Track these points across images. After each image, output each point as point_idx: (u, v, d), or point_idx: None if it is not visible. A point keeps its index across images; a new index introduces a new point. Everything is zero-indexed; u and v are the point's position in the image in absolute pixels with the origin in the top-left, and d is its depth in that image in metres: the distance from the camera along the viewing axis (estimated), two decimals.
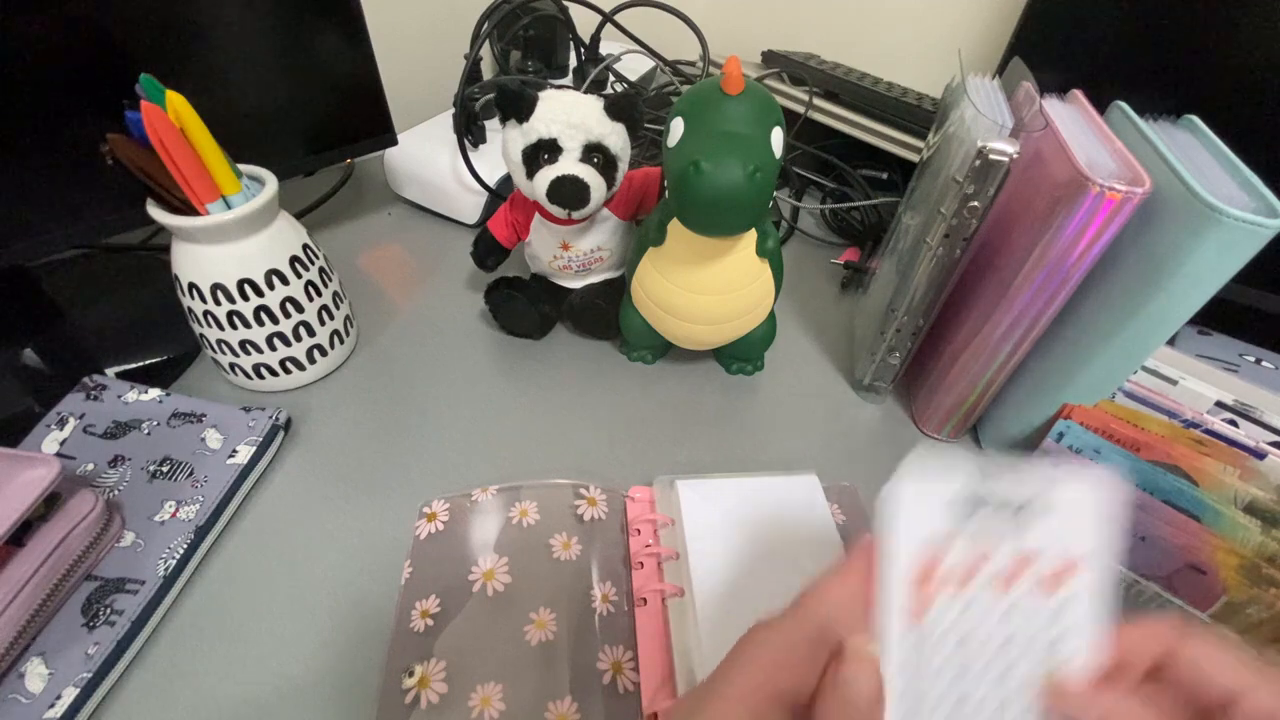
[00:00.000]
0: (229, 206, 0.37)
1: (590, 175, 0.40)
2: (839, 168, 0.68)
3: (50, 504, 0.32)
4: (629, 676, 0.30)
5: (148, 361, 0.46)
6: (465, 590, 0.33)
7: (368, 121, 0.57)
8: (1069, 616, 0.20)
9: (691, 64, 0.72)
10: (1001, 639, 0.21)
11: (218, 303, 0.39)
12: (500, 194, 0.58)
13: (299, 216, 0.48)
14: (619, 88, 0.70)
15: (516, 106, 0.40)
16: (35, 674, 0.29)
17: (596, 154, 0.40)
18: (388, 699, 0.29)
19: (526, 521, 0.36)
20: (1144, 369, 0.40)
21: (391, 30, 0.60)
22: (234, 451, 0.38)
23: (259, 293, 0.40)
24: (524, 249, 0.49)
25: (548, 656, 0.31)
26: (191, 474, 0.37)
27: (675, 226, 0.38)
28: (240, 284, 0.39)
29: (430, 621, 0.32)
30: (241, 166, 0.39)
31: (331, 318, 0.45)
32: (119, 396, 0.40)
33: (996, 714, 0.20)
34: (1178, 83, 0.51)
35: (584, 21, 0.63)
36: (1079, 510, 0.21)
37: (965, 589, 0.21)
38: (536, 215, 0.46)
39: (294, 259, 0.41)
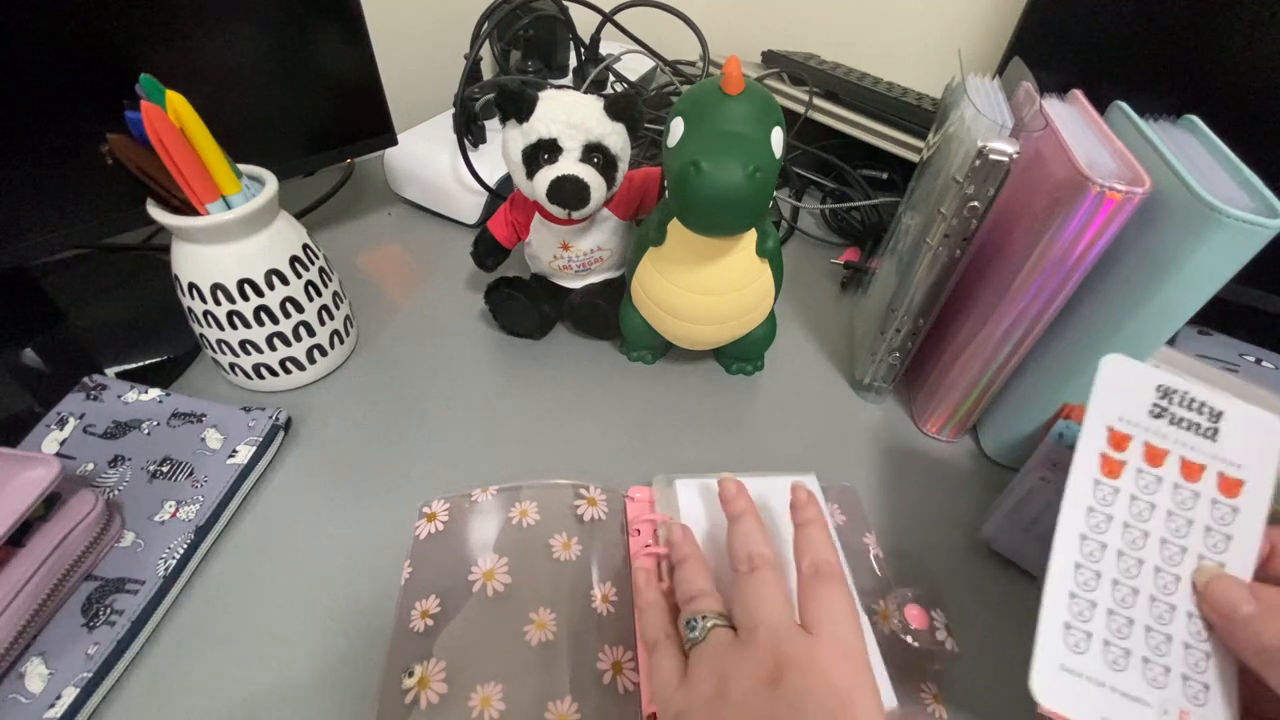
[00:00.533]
0: (229, 206, 0.37)
1: (590, 175, 0.40)
2: (839, 168, 0.68)
3: (50, 504, 0.32)
4: (629, 676, 0.30)
5: (148, 361, 0.46)
6: (465, 590, 0.33)
7: (368, 121, 0.57)
8: (1236, 523, 0.24)
9: (691, 64, 0.72)
10: (1180, 520, 0.24)
11: (218, 303, 0.39)
12: (500, 194, 0.58)
13: (299, 216, 0.48)
14: (619, 88, 0.70)
15: (516, 106, 0.40)
16: (35, 674, 0.29)
17: (596, 154, 0.40)
18: (387, 699, 0.29)
19: (526, 522, 0.36)
20: None
21: (391, 30, 0.60)
22: (234, 451, 0.38)
23: (259, 293, 0.40)
24: (524, 249, 0.49)
25: (548, 657, 0.31)
26: (191, 474, 0.37)
27: (675, 226, 0.38)
28: (240, 284, 0.39)
29: (430, 622, 0.32)
30: (241, 166, 0.39)
31: (331, 318, 0.45)
32: (119, 396, 0.40)
33: (1158, 581, 0.24)
34: (1178, 83, 0.51)
35: (584, 21, 0.63)
36: (1259, 440, 0.25)
37: (1157, 467, 0.25)
38: (536, 215, 0.46)
39: (294, 259, 0.41)
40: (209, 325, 0.40)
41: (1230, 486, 0.25)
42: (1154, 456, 0.26)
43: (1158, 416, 0.26)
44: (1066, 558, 0.24)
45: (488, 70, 0.65)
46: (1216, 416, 0.26)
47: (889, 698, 0.29)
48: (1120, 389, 0.26)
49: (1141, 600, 0.24)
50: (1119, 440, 0.25)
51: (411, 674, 0.30)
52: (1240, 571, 0.23)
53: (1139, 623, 0.23)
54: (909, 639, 0.31)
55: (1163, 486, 0.25)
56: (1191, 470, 0.25)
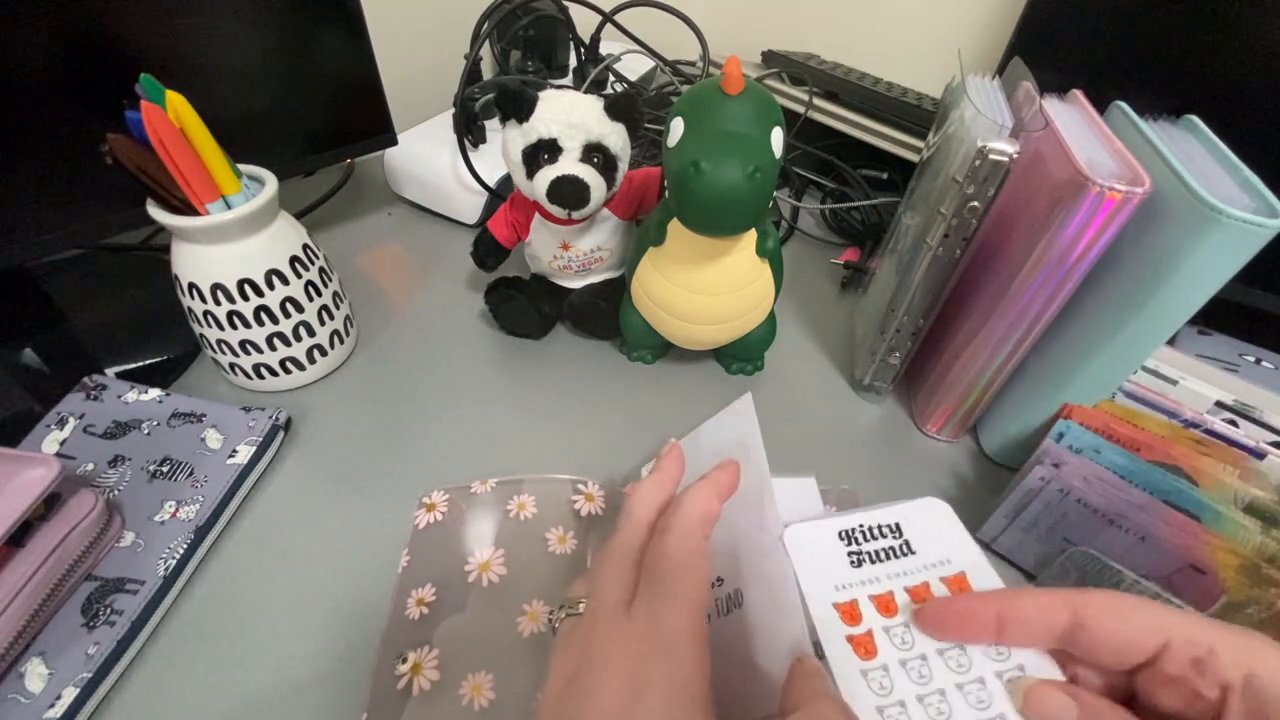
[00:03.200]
0: (229, 206, 0.37)
1: (590, 175, 0.40)
2: (839, 168, 0.68)
3: (50, 504, 0.32)
4: None
5: (148, 361, 0.46)
6: (461, 580, 0.33)
7: (368, 121, 0.57)
8: None
9: (691, 64, 0.72)
10: (953, 653, 0.21)
11: (218, 303, 0.39)
12: (500, 194, 0.58)
13: (299, 216, 0.48)
14: (619, 88, 0.70)
15: (516, 106, 0.40)
16: (35, 674, 0.29)
17: (596, 154, 0.40)
18: (380, 685, 0.29)
19: (524, 515, 0.36)
20: (1144, 369, 0.40)
21: (391, 30, 0.60)
22: (234, 451, 0.38)
23: (259, 293, 0.40)
24: (524, 249, 0.49)
25: (539, 648, 0.31)
26: (191, 474, 0.37)
27: (675, 226, 0.38)
28: (240, 284, 0.39)
29: (426, 610, 0.32)
30: (241, 166, 0.39)
31: (331, 318, 0.45)
32: (119, 396, 0.40)
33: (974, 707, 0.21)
34: (1178, 83, 0.51)
35: (584, 21, 0.63)
36: (937, 527, 0.24)
37: (894, 616, 0.23)
38: (536, 215, 0.46)
39: (294, 259, 0.41)
40: (209, 325, 0.40)
41: (958, 584, 0.23)
42: (885, 606, 0.23)
43: (858, 565, 0.24)
44: None
45: (488, 70, 0.65)
46: (898, 530, 0.25)
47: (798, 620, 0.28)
48: (814, 557, 0.24)
49: None
50: (849, 612, 0.23)
51: (405, 661, 0.30)
52: (1041, 663, 0.21)
53: None
54: None
55: (912, 630, 0.22)
56: (919, 594, 0.23)
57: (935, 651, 0.21)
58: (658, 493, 0.26)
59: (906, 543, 0.24)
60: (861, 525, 0.25)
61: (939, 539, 0.24)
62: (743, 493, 0.26)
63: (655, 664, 0.19)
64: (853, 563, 0.24)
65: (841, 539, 0.25)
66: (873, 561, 0.24)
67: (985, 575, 0.23)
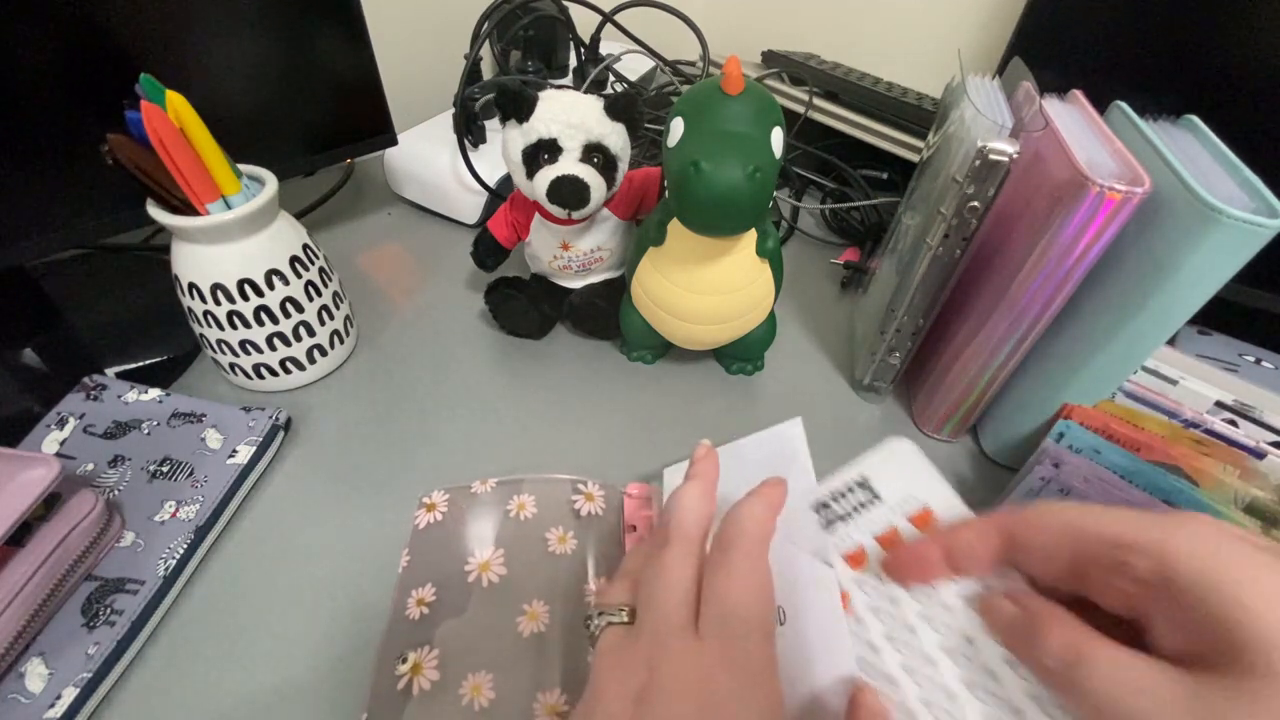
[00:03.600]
0: (229, 206, 0.37)
1: (590, 175, 0.40)
2: (839, 168, 0.68)
3: (50, 504, 0.32)
4: None
5: (148, 361, 0.46)
6: (461, 580, 0.33)
7: (368, 121, 0.57)
8: None
9: (691, 64, 0.72)
10: (923, 592, 0.23)
11: (218, 303, 0.39)
12: (500, 194, 0.58)
13: (299, 216, 0.48)
14: (619, 88, 0.70)
15: (516, 106, 0.40)
16: (35, 674, 0.29)
17: (596, 154, 0.40)
18: (380, 685, 0.29)
19: (524, 515, 0.36)
20: (1144, 369, 0.40)
21: (391, 30, 0.60)
22: (234, 451, 0.38)
23: (259, 293, 0.40)
24: (524, 249, 0.49)
25: (539, 648, 0.31)
26: (191, 474, 0.37)
27: (675, 226, 0.38)
28: (240, 284, 0.39)
29: (426, 610, 0.32)
30: (241, 166, 0.39)
31: (331, 318, 0.45)
32: (119, 396, 0.40)
33: (955, 657, 0.21)
34: (1178, 83, 0.51)
35: (584, 21, 0.63)
36: (901, 466, 0.25)
37: (862, 566, 0.24)
38: (536, 215, 0.46)
39: (294, 259, 0.41)
40: (209, 325, 0.40)
41: (923, 520, 0.24)
42: (855, 561, 0.24)
43: (830, 528, 0.25)
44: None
45: (488, 70, 0.65)
46: (865, 483, 0.26)
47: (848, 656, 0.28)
48: (790, 536, 0.25)
49: (955, 685, 0.21)
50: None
51: (405, 660, 0.30)
52: (997, 582, 0.22)
53: (964, 698, 0.21)
54: None
55: (881, 576, 0.23)
56: (887, 540, 0.24)
57: (903, 591, 0.23)
58: (705, 503, 0.25)
59: (874, 493, 0.25)
60: (832, 492, 0.26)
61: (904, 480, 0.25)
62: (787, 510, 0.26)
63: (737, 696, 0.19)
64: (824, 527, 0.25)
65: (815, 511, 0.26)
66: (844, 521, 0.25)
67: (950, 506, 0.24)
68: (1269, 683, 0.14)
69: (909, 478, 0.25)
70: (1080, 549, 0.19)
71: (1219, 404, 0.39)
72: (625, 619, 0.22)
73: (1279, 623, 0.15)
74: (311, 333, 0.43)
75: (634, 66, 0.74)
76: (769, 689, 0.19)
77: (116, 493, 0.36)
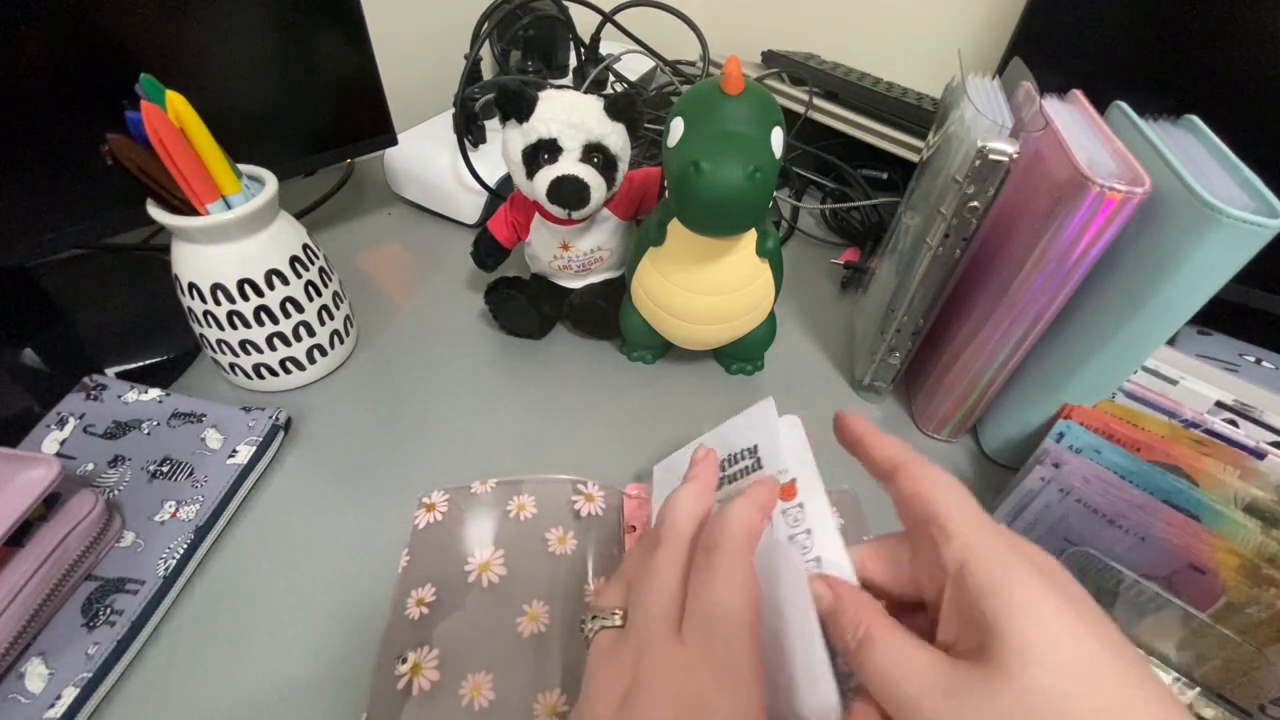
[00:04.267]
0: (229, 206, 0.37)
1: (590, 175, 0.40)
2: (839, 168, 0.67)
3: (50, 504, 0.32)
4: None
5: (148, 361, 0.46)
6: (461, 580, 0.33)
7: (368, 121, 0.57)
8: (807, 518, 0.24)
9: (691, 64, 0.72)
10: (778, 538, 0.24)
11: (218, 303, 0.39)
12: (500, 194, 0.58)
13: (299, 216, 0.48)
14: (619, 88, 0.70)
15: (516, 106, 0.40)
16: (35, 674, 0.29)
17: (596, 154, 0.40)
18: (380, 685, 0.29)
19: (524, 515, 0.36)
20: (1144, 369, 0.40)
21: (391, 30, 0.60)
22: (234, 451, 0.38)
23: (259, 293, 0.40)
24: (524, 249, 0.49)
25: (539, 648, 0.31)
26: (191, 474, 0.37)
27: (675, 226, 0.38)
28: (240, 284, 0.39)
29: (425, 610, 0.32)
30: (241, 166, 0.39)
31: (331, 318, 0.45)
32: (119, 396, 0.40)
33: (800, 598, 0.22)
34: (1178, 83, 0.51)
35: (584, 21, 0.63)
36: (783, 441, 0.27)
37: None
38: (536, 215, 0.46)
39: (294, 259, 0.41)
40: (209, 325, 0.40)
41: (789, 492, 0.25)
42: None
43: (720, 489, 0.28)
44: None
45: (488, 70, 0.65)
46: (754, 450, 0.27)
47: None
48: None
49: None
50: None
51: (405, 661, 0.30)
52: (836, 559, 0.23)
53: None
54: None
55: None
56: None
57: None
58: (699, 504, 0.25)
59: (759, 459, 0.27)
60: (729, 456, 0.28)
61: (784, 451, 0.26)
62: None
63: (716, 695, 0.19)
64: (720, 487, 0.28)
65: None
66: (730, 482, 0.27)
67: (812, 484, 0.25)
68: (1010, 684, 0.16)
69: (787, 451, 0.26)
70: (922, 516, 0.21)
71: (1219, 404, 0.39)
72: (618, 622, 0.23)
73: (1035, 639, 0.16)
74: (311, 333, 0.43)
75: (634, 66, 0.73)
76: (750, 686, 0.20)
77: (116, 493, 0.36)
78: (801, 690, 0.21)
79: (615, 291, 0.47)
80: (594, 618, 0.23)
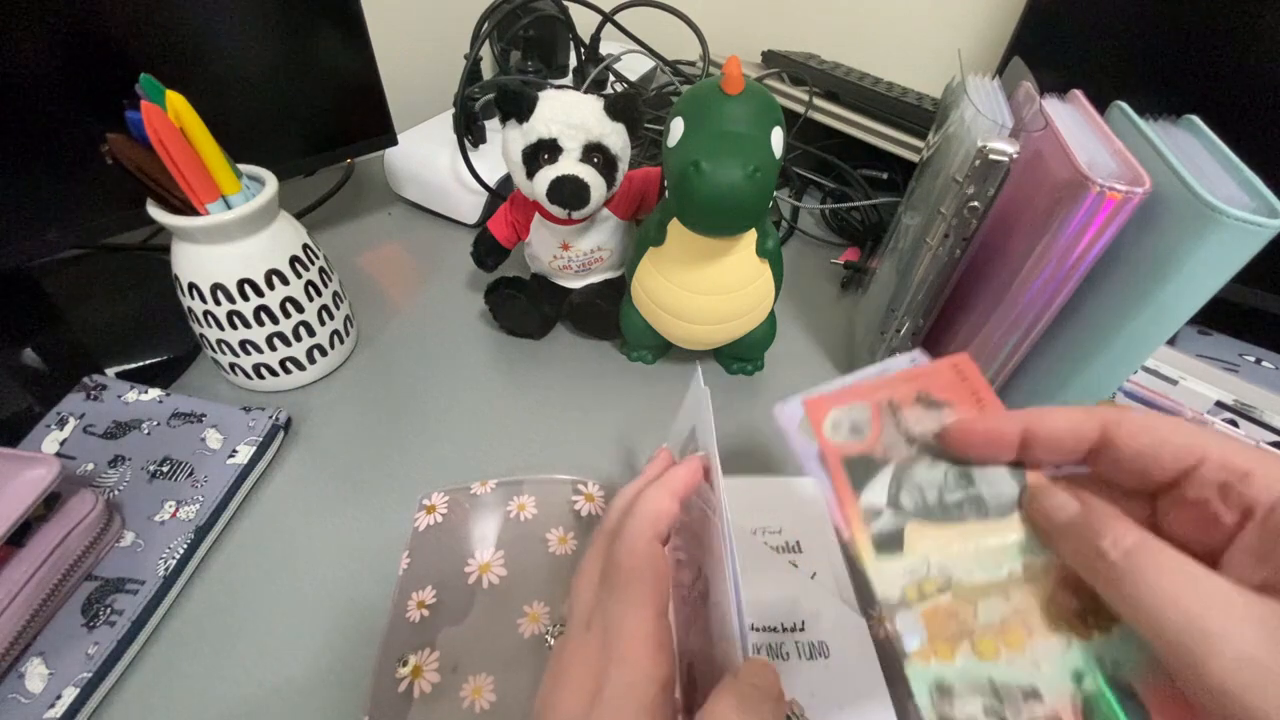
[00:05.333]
0: (229, 206, 0.37)
1: (590, 175, 0.40)
2: (839, 168, 0.67)
3: (50, 504, 0.32)
4: None
5: (148, 361, 0.46)
6: (462, 582, 0.33)
7: (368, 121, 0.57)
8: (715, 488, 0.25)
9: (691, 64, 0.72)
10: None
11: (218, 303, 0.39)
12: (500, 194, 0.58)
13: (299, 216, 0.48)
14: (619, 88, 0.70)
15: (516, 106, 0.40)
16: (35, 674, 0.29)
17: (596, 154, 0.40)
18: (381, 688, 0.29)
19: (524, 515, 0.36)
20: (1144, 369, 0.40)
21: (391, 30, 0.60)
22: (234, 451, 0.38)
23: (259, 293, 0.40)
24: (524, 249, 0.49)
25: (540, 649, 0.31)
26: (191, 474, 0.37)
27: (675, 226, 0.38)
28: (240, 284, 0.39)
29: (426, 612, 0.32)
30: (241, 166, 0.39)
31: (331, 318, 0.45)
32: (119, 396, 0.40)
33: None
34: (1178, 83, 0.51)
35: (584, 21, 0.63)
36: (702, 418, 0.27)
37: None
38: (536, 215, 0.46)
39: (294, 259, 0.41)
40: (209, 325, 0.40)
41: (700, 463, 0.26)
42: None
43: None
44: None
45: (488, 70, 0.65)
46: (693, 434, 0.28)
47: (885, 705, 0.28)
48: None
49: None
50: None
51: (405, 663, 0.30)
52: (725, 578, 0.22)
53: None
54: None
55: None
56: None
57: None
58: (624, 501, 0.26)
59: (696, 442, 0.28)
60: (680, 445, 0.29)
61: (703, 429, 0.27)
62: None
63: (605, 673, 0.20)
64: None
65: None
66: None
67: (712, 450, 0.26)
68: None
69: (707, 430, 0.27)
70: (1181, 464, 0.18)
71: (1219, 404, 0.39)
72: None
73: None
74: (311, 333, 0.43)
75: (634, 66, 0.74)
76: (638, 662, 0.20)
77: (116, 493, 0.36)
78: (723, 641, 0.22)
79: (615, 291, 0.47)
80: (556, 625, 0.27)
